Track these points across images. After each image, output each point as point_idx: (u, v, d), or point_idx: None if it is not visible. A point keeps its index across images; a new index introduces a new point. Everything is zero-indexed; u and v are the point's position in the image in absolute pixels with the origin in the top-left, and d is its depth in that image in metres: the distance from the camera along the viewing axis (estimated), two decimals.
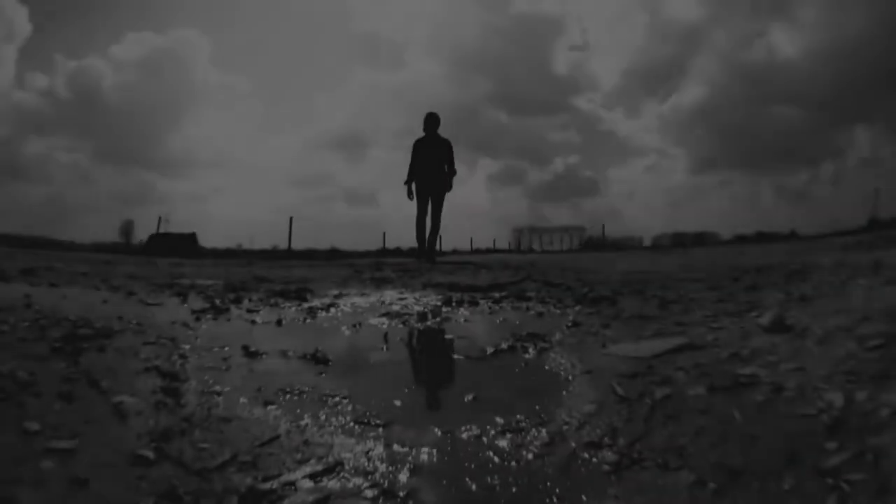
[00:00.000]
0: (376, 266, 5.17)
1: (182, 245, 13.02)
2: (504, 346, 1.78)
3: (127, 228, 64.96)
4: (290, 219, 15.17)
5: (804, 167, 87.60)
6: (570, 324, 2.02)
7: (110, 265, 5.22)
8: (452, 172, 7.20)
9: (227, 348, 1.71)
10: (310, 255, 13.44)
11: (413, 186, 7.30)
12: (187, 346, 1.70)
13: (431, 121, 7.37)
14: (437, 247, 8.61)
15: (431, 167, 7.18)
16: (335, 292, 2.96)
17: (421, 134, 7.43)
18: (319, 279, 3.75)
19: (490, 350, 1.75)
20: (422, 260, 7.04)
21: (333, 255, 13.30)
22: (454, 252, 22.60)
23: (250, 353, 1.66)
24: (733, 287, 2.64)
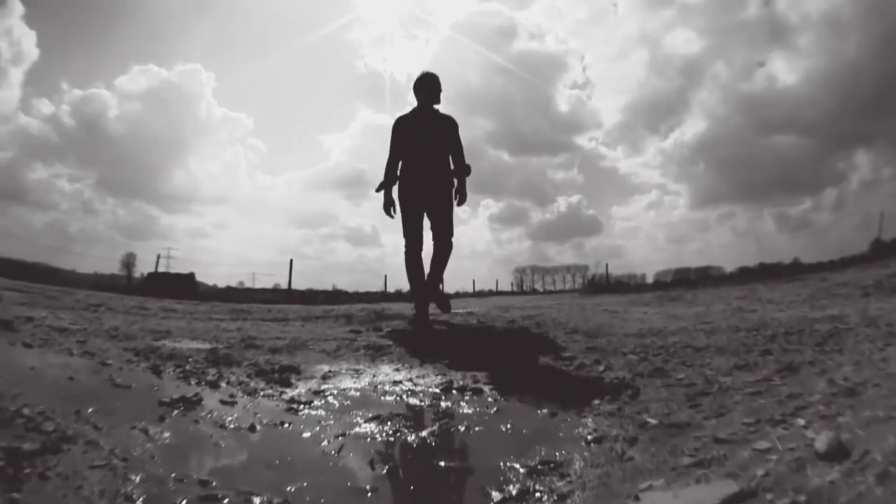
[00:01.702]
0: (374, 323, 4.89)
1: (180, 285, 12.81)
2: (512, 489, 1.43)
3: (128, 261, 64.49)
4: (290, 261, 15.09)
5: (806, 195, 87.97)
6: (589, 436, 1.73)
7: (99, 313, 4.97)
8: (465, 169, 4.89)
9: (183, 481, 1.40)
10: (310, 298, 13.22)
11: (395, 195, 4.90)
12: (137, 477, 1.39)
13: (427, 87, 4.87)
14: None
15: (428, 162, 4.84)
16: (325, 369, 2.68)
17: (407, 110, 5.08)
18: (312, 343, 3.46)
19: (496, 497, 1.40)
20: (419, 317, 4.73)
21: (334, 299, 13.09)
22: (457, 295, 22.36)
23: (204, 500, 1.34)
24: (764, 363, 2.37)
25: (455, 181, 4.93)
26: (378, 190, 4.92)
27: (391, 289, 20.68)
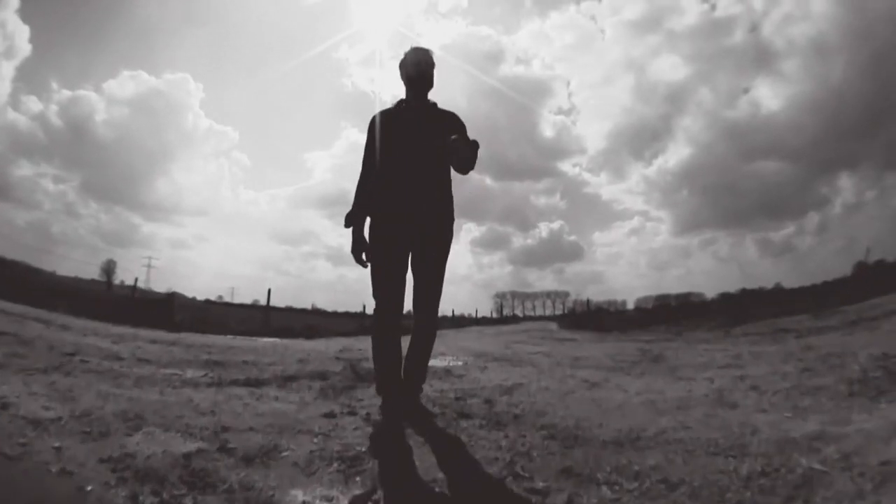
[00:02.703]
0: (350, 392, 4.79)
1: (157, 310, 12.67)
2: None
3: (108, 268, 64.61)
4: (268, 292, 15.14)
5: (789, 220, 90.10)
6: None
7: (72, 375, 4.82)
8: (472, 145, 3.17)
9: None
10: (287, 331, 13.20)
11: (369, 227, 3.53)
12: None
13: (418, 68, 3.57)
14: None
15: (420, 179, 3.45)
16: (299, 500, 2.60)
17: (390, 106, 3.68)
18: (286, 439, 3.37)
19: None
20: (388, 423, 3.48)
21: (311, 330, 13.08)
22: None
23: None
24: None
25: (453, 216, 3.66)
26: (348, 224, 3.50)
27: (371, 310, 20.66)
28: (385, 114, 3.58)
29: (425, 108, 3.63)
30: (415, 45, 3.65)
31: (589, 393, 4.93)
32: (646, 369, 6.27)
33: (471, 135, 3.40)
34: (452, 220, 3.65)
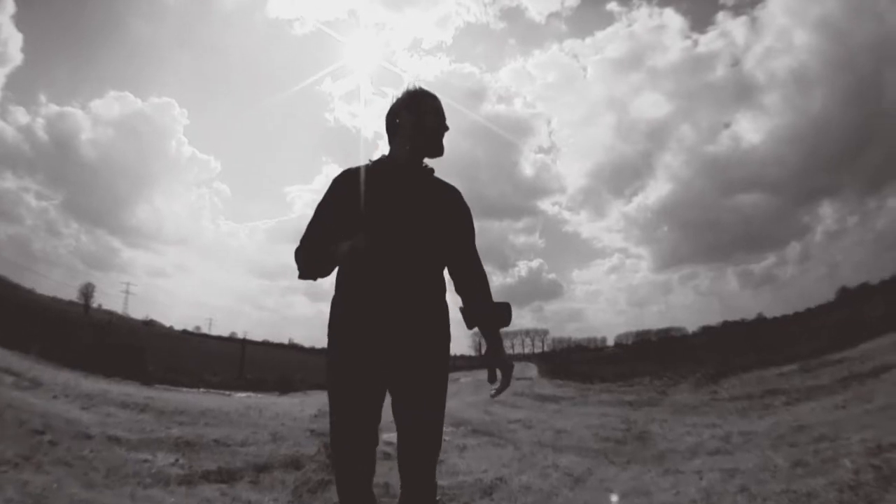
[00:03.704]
0: (326, 474, 4.60)
1: (128, 360, 12.40)
2: None
3: (87, 291, 64.44)
4: (243, 345, 15.06)
5: (770, 251, 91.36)
6: None
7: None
8: (498, 309, 2.50)
9: None
10: (260, 384, 13.04)
11: (328, 333, 2.47)
12: None
13: (443, 121, 2.60)
14: None
15: (402, 273, 2.36)
16: None
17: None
18: None
19: None
20: None
21: (285, 387, 12.95)
22: None
23: None
24: None
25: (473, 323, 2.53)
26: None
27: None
28: (353, 173, 2.54)
29: (424, 176, 2.59)
30: (422, 86, 2.66)
31: (573, 494, 4.78)
32: (632, 454, 6.08)
33: (449, 173, 2.66)
34: (448, 338, 2.49)
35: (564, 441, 6.94)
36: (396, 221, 2.40)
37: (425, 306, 2.43)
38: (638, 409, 10.12)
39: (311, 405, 9.77)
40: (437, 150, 2.59)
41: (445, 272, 2.58)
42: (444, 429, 2.49)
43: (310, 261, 2.48)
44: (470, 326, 2.52)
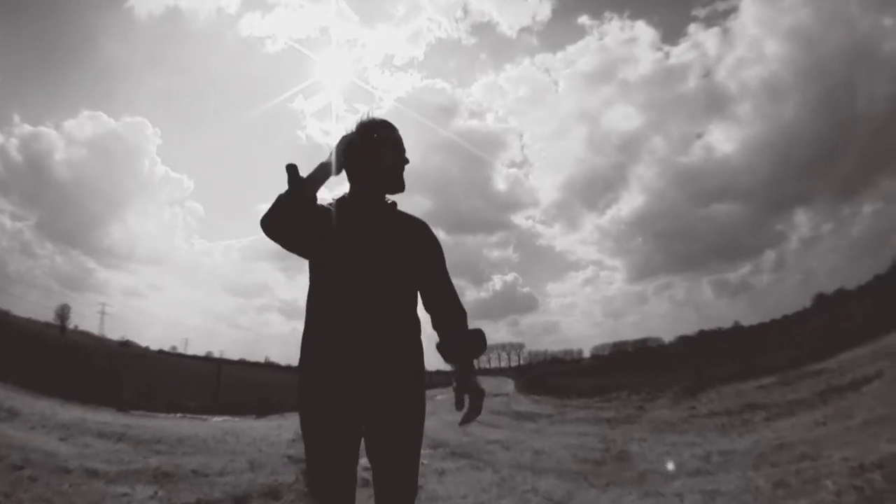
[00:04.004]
0: None
1: (104, 386, 12.30)
2: None
3: (62, 312, 63.80)
4: (219, 366, 15.07)
5: (745, 259, 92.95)
6: None
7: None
8: (472, 337, 2.42)
9: None
10: (238, 408, 12.97)
11: (299, 379, 2.34)
12: None
13: (402, 154, 2.51)
14: None
15: (376, 308, 2.28)
16: None
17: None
18: None
19: None
20: None
21: (262, 410, 12.90)
22: None
23: None
24: None
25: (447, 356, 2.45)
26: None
27: None
28: (331, 213, 2.42)
29: (386, 212, 2.48)
30: (376, 116, 2.52)
31: None
32: (612, 476, 6.11)
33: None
34: (423, 379, 2.42)
35: (543, 463, 6.96)
36: (362, 264, 2.32)
37: (397, 348, 2.33)
38: (616, 426, 10.15)
39: (288, 429, 9.74)
40: (397, 187, 2.49)
41: (420, 309, 2.49)
42: (423, 451, 2.48)
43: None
44: (448, 362, 2.43)
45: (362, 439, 2.31)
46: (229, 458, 6.95)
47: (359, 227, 2.37)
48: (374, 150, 2.42)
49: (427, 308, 2.50)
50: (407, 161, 2.51)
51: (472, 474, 6.46)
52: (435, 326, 2.47)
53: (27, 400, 9.96)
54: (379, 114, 2.53)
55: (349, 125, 2.53)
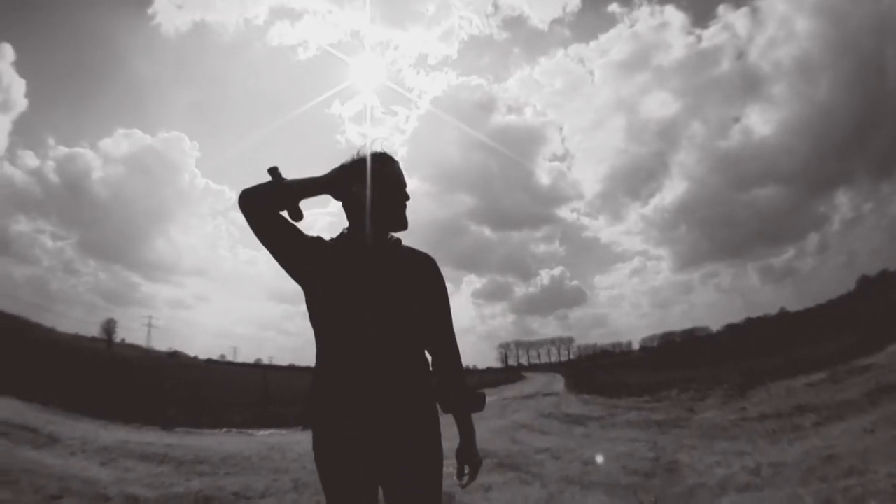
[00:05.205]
0: None
1: (148, 404, 12.42)
2: None
3: (109, 327, 65.30)
4: (265, 373, 15.19)
5: (789, 243, 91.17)
6: None
7: None
8: (466, 395, 2.31)
9: None
10: (284, 421, 12.99)
11: (313, 438, 2.21)
12: None
13: (402, 186, 2.34)
14: None
15: (384, 358, 2.14)
16: None
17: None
18: None
19: None
20: None
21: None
22: None
23: None
24: None
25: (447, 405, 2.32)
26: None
27: None
28: (332, 252, 2.27)
29: (390, 251, 2.32)
30: (371, 146, 2.33)
31: None
32: (660, 491, 5.85)
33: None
34: (437, 425, 2.25)
35: (593, 475, 6.74)
36: (366, 311, 2.18)
37: (408, 400, 2.21)
38: (666, 431, 9.83)
39: None
40: (399, 225, 2.34)
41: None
42: None
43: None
44: (445, 412, 2.30)
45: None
46: (273, 478, 6.86)
47: (357, 266, 2.23)
48: (373, 186, 2.26)
49: (429, 350, 2.36)
50: (407, 197, 2.35)
51: (519, 490, 6.27)
52: (434, 370, 2.35)
53: (69, 423, 10.05)
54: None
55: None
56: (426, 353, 2.34)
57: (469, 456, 2.30)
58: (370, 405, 2.12)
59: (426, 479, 2.19)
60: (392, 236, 2.34)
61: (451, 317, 2.40)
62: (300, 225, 2.26)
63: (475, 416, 2.35)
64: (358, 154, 2.31)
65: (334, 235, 2.34)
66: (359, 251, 2.25)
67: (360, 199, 2.26)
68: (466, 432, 2.32)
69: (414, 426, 2.18)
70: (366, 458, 2.12)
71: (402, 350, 2.21)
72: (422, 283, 2.32)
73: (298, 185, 2.22)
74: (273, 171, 2.19)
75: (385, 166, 2.30)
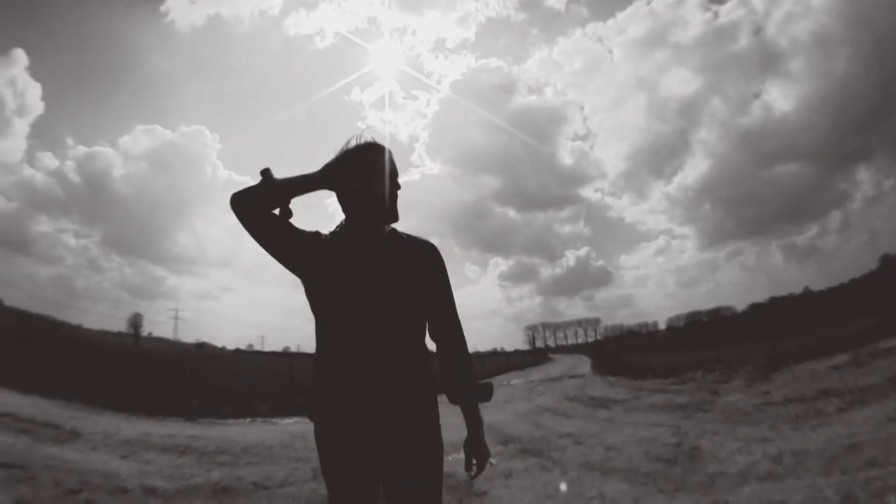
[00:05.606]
0: None
1: (172, 396, 12.51)
2: None
3: (135, 321, 66.14)
4: (290, 362, 15.24)
5: (812, 221, 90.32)
6: None
7: None
8: (472, 384, 2.26)
9: None
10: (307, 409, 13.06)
11: (315, 434, 2.18)
12: None
13: (396, 178, 2.26)
14: None
15: (385, 351, 2.09)
16: None
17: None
18: None
19: None
20: None
21: None
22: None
23: None
24: None
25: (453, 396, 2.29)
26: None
27: None
28: (329, 245, 2.24)
29: (389, 240, 2.28)
30: (368, 136, 2.28)
31: None
32: (681, 479, 5.75)
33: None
34: (437, 419, 2.23)
35: (614, 461, 6.66)
36: (363, 302, 2.14)
37: (408, 391, 2.18)
38: (690, 415, 9.71)
39: None
40: (391, 217, 2.28)
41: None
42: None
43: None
44: (452, 402, 2.31)
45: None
46: (293, 467, 6.88)
47: (356, 258, 2.20)
48: (362, 178, 2.23)
49: (433, 339, 2.33)
50: (398, 187, 2.29)
51: (539, 476, 6.23)
52: (438, 357, 2.33)
53: (91, 418, 10.14)
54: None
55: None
56: (428, 343, 2.30)
57: (477, 447, 2.28)
58: (370, 396, 2.10)
59: (427, 472, 2.17)
60: (392, 228, 2.31)
61: (454, 305, 2.34)
62: (302, 226, 2.28)
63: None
64: (348, 145, 2.28)
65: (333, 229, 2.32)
66: (355, 243, 2.22)
67: (349, 190, 2.23)
68: (474, 423, 2.28)
69: (414, 418, 2.17)
70: (367, 449, 2.11)
71: (401, 340, 2.18)
72: (422, 271, 2.27)
73: (289, 184, 2.21)
74: (265, 172, 2.20)
75: (374, 156, 2.26)
